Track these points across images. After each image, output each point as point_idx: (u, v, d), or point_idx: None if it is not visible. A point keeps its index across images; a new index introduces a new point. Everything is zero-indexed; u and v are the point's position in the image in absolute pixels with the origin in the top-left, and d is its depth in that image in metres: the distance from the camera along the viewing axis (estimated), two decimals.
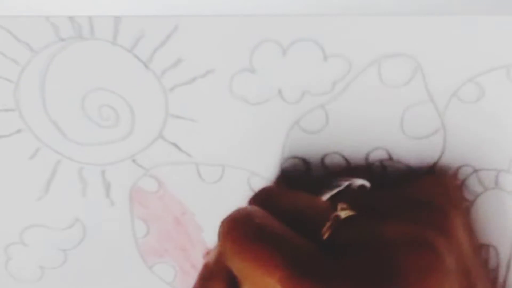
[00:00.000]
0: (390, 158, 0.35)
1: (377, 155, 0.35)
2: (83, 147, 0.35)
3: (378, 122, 0.34)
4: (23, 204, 0.38)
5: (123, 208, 0.38)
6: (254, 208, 0.31)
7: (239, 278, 0.29)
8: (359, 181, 0.33)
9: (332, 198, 0.32)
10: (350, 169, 0.35)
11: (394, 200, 0.32)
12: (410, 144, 0.35)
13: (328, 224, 0.30)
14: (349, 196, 0.32)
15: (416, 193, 0.32)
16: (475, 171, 0.35)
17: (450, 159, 0.35)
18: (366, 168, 0.35)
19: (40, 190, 0.37)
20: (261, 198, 0.33)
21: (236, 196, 0.37)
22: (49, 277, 0.40)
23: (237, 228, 0.29)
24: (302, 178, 0.35)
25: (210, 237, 0.38)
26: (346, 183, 0.32)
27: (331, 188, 0.32)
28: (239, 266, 0.28)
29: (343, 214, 0.30)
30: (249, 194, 0.36)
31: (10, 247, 0.39)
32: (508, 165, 0.35)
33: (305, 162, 0.35)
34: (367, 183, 0.33)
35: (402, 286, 0.27)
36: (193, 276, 0.40)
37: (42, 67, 0.33)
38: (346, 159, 0.35)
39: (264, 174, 0.36)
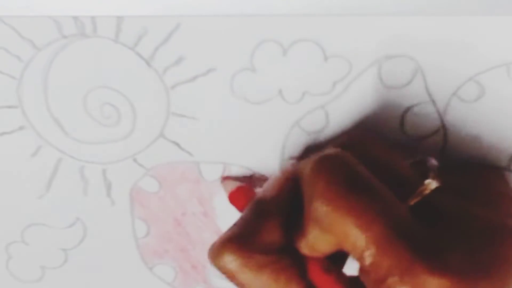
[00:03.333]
0: None
1: None
2: (85, 145, 0.35)
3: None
4: (24, 202, 0.38)
5: (123, 208, 0.38)
6: (346, 153, 0.29)
7: (314, 221, 0.28)
8: (434, 161, 0.32)
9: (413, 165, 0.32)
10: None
11: (469, 183, 0.32)
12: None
13: (420, 189, 0.29)
14: (425, 167, 0.31)
15: (489, 183, 0.33)
16: None
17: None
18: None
19: (41, 188, 0.37)
20: (350, 142, 0.32)
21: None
22: (50, 276, 0.40)
23: (334, 169, 0.28)
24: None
25: (210, 238, 0.38)
26: (421, 157, 0.32)
27: (408, 157, 0.32)
28: (326, 210, 0.27)
29: (434, 183, 0.29)
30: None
31: (11, 246, 0.39)
32: (508, 163, 0.35)
33: None
34: (435, 164, 0.32)
35: (503, 268, 0.27)
36: (194, 276, 0.40)
37: (45, 65, 0.33)
38: None
39: (265, 172, 0.36)
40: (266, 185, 0.32)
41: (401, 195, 0.28)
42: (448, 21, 0.31)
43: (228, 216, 0.37)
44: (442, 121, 0.34)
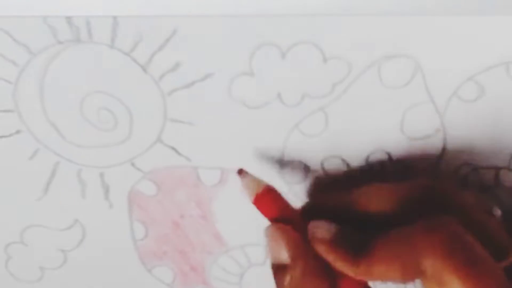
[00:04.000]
0: (391, 159, 0.35)
1: (377, 157, 0.35)
2: (82, 149, 0.35)
3: (378, 123, 0.34)
4: (23, 204, 0.38)
5: (122, 211, 0.38)
6: (456, 222, 0.30)
7: (424, 274, 0.29)
8: (497, 211, 0.33)
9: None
10: (411, 170, 0.35)
11: None
12: (411, 145, 0.35)
13: None
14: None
15: None
16: (475, 169, 0.35)
17: (450, 158, 0.35)
18: (427, 172, 0.35)
19: (39, 191, 0.37)
20: (431, 191, 0.32)
21: (235, 200, 0.37)
22: (49, 277, 0.41)
23: (456, 254, 0.29)
24: None
25: (209, 240, 0.39)
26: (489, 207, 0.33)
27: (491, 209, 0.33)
28: (438, 270, 0.29)
29: None
30: (248, 198, 0.36)
31: (10, 247, 0.39)
32: (509, 162, 0.35)
33: (305, 165, 0.35)
34: (499, 213, 0.34)
35: None
36: (193, 278, 0.40)
37: (41, 69, 0.33)
38: (346, 162, 0.35)
39: (264, 177, 0.36)
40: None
41: (494, 254, 0.30)
42: (447, 21, 0.31)
43: (227, 219, 0.38)
44: (442, 121, 0.34)
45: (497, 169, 0.35)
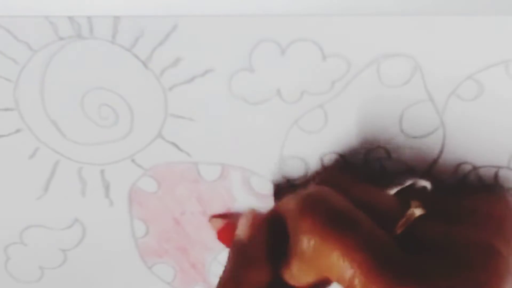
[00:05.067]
0: (389, 157, 0.35)
1: (376, 154, 0.35)
2: (82, 146, 0.35)
3: (377, 122, 0.34)
4: (23, 204, 0.38)
5: (122, 209, 0.38)
6: (329, 189, 0.31)
7: (300, 255, 0.29)
8: (422, 182, 0.34)
9: (397, 194, 0.33)
10: (409, 169, 0.35)
11: (457, 206, 0.32)
12: (410, 143, 0.35)
13: (403, 220, 0.30)
14: (413, 195, 0.33)
15: (477, 204, 0.33)
16: (475, 168, 0.35)
17: (450, 157, 0.35)
18: (426, 171, 0.35)
19: (39, 190, 0.37)
20: (329, 182, 0.33)
21: (236, 195, 0.37)
22: (49, 277, 0.40)
23: (318, 205, 0.29)
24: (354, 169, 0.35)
25: (209, 237, 0.38)
26: (410, 182, 0.33)
27: (394, 184, 0.33)
28: (312, 244, 0.29)
29: (417, 212, 0.30)
30: (249, 193, 0.36)
31: (10, 247, 0.39)
32: (508, 161, 0.35)
33: (304, 161, 0.35)
34: (428, 185, 0.34)
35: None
36: (193, 275, 0.40)
37: (42, 67, 0.33)
38: (345, 159, 0.35)
39: (263, 173, 0.36)
40: (240, 226, 0.33)
41: (386, 227, 0.29)
42: (446, 20, 0.31)
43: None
44: (441, 120, 0.34)
45: (497, 168, 0.35)
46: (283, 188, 0.36)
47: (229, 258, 0.32)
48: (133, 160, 0.36)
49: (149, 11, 0.31)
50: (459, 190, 0.35)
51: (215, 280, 0.40)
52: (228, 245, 0.35)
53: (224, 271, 0.32)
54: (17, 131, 0.35)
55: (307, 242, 0.29)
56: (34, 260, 0.40)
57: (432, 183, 0.35)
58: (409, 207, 0.31)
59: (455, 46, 0.32)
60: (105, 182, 0.37)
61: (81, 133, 0.35)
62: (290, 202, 0.31)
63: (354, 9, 0.31)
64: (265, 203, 0.37)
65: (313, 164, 0.35)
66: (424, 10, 0.31)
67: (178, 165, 0.36)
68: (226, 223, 0.36)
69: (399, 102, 0.34)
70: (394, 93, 0.33)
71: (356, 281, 0.27)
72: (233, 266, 0.32)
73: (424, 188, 0.34)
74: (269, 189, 0.36)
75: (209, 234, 0.38)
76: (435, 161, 0.35)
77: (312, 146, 0.35)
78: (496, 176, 0.35)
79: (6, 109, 0.34)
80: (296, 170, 0.36)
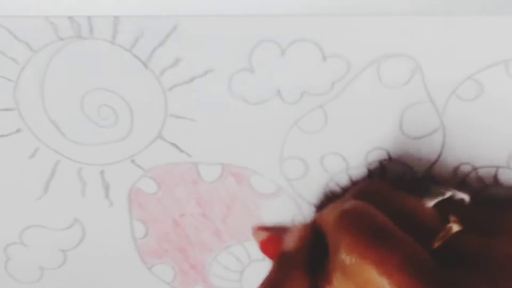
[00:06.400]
0: (390, 158, 0.35)
1: (376, 155, 0.35)
2: (82, 147, 0.35)
3: (377, 122, 0.34)
4: (23, 204, 0.38)
5: (122, 209, 0.38)
6: (367, 204, 0.31)
7: (341, 270, 0.30)
8: (460, 194, 0.34)
9: (435, 205, 0.33)
10: (447, 179, 0.36)
11: (492, 218, 0.33)
12: (409, 144, 0.35)
13: (441, 234, 0.30)
14: (451, 207, 0.33)
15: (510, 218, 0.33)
16: (475, 168, 0.35)
17: (450, 157, 0.35)
18: (462, 183, 0.36)
19: (39, 190, 0.37)
20: (367, 193, 0.33)
21: (236, 196, 0.37)
22: (49, 277, 0.40)
23: (358, 222, 0.30)
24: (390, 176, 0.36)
25: (209, 238, 0.38)
26: (448, 193, 0.33)
27: (432, 194, 0.33)
28: (352, 260, 0.29)
29: (455, 227, 0.31)
30: (249, 193, 0.36)
31: (10, 247, 0.39)
32: (507, 161, 0.35)
33: (304, 162, 0.35)
34: (467, 198, 0.34)
35: None
36: (193, 276, 0.40)
37: (42, 67, 0.33)
38: (345, 160, 0.35)
39: (264, 173, 0.36)
40: (288, 237, 0.34)
41: (424, 240, 0.30)
42: (446, 20, 0.31)
43: (227, 217, 0.38)
44: (441, 120, 0.34)
45: (496, 168, 0.35)
46: (327, 199, 0.36)
47: (272, 267, 0.32)
48: (133, 161, 0.36)
49: (149, 11, 0.31)
50: (492, 203, 0.35)
51: (215, 281, 0.40)
52: (270, 257, 0.36)
53: (266, 280, 0.32)
54: (17, 131, 0.35)
55: (347, 258, 0.29)
56: (34, 260, 0.40)
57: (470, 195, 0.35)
58: (447, 220, 0.31)
59: (455, 46, 0.32)
60: (105, 182, 0.37)
61: (81, 133, 0.35)
62: (329, 216, 0.32)
63: (354, 9, 0.31)
64: (265, 203, 0.37)
65: (313, 165, 0.35)
66: (424, 10, 0.31)
67: (178, 166, 0.36)
68: (270, 236, 0.37)
69: (399, 103, 0.34)
70: (394, 94, 0.33)
71: None
72: (275, 276, 0.32)
73: (462, 200, 0.34)
74: (269, 190, 0.37)
75: (209, 236, 0.38)
76: (435, 161, 0.35)
77: (312, 146, 0.35)
78: (495, 176, 0.35)
79: (6, 109, 0.34)
80: (296, 170, 0.36)
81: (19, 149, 0.36)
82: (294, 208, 0.37)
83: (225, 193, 0.37)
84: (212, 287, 0.40)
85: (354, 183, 0.36)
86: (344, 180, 0.36)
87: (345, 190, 0.36)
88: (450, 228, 0.31)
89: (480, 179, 0.36)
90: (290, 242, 0.33)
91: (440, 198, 0.33)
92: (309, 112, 0.34)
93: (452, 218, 0.31)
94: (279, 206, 0.37)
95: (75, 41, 0.32)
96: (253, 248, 0.39)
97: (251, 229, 0.38)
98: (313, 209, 0.37)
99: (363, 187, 0.34)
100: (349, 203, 0.31)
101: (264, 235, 0.37)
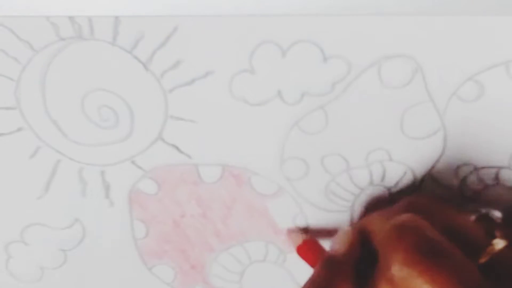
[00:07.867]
0: (390, 159, 0.35)
1: (377, 156, 0.35)
2: (83, 147, 0.35)
3: (378, 123, 0.34)
4: (24, 203, 0.38)
5: (122, 210, 0.38)
6: (420, 218, 0.31)
7: (390, 282, 0.30)
8: (497, 213, 0.35)
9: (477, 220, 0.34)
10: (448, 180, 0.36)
11: None
12: (410, 145, 0.35)
13: (488, 249, 0.31)
14: (489, 223, 0.34)
15: None
16: (476, 169, 0.35)
17: (451, 158, 0.35)
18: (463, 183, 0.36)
19: (40, 189, 0.37)
20: (417, 206, 0.33)
21: (236, 197, 0.37)
22: (49, 277, 0.40)
23: (412, 237, 0.30)
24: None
25: (209, 239, 0.39)
26: (485, 210, 0.35)
27: (468, 212, 0.34)
28: (405, 275, 0.29)
29: (501, 242, 0.31)
30: (250, 194, 0.36)
31: (11, 246, 0.39)
32: (508, 162, 0.35)
33: (304, 162, 0.35)
34: (499, 215, 0.35)
35: None
36: (193, 276, 0.40)
37: (43, 66, 0.33)
38: (346, 160, 0.35)
39: (264, 174, 0.36)
40: (336, 240, 0.34)
41: (470, 254, 0.30)
42: (447, 21, 0.31)
43: (227, 218, 0.38)
44: (442, 121, 0.34)
45: (498, 168, 0.35)
46: (378, 203, 0.37)
47: (318, 271, 0.33)
48: (133, 162, 0.36)
49: (150, 12, 0.31)
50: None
51: (215, 282, 0.40)
52: (306, 260, 0.36)
53: (311, 279, 0.32)
54: (19, 129, 0.35)
55: (398, 271, 0.29)
56: (34, 260, 0.40)
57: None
58: (492, 236, 0.32)
59: (456, 47, 0.32)
60: (105, 183, 0.37)
61: (82, 133, 0.35)
62: (379, 226, 0.32)
63: (355, 9, 0.31)
64: (266, 204, 0.37)
65: (314, 165, 0.35)
66: (425, 11, 0.31)
67: (178, 167, 0.36)
68: (307, 239, 0.37)
69: (400, 103, 0.34)
70: (395, 94, 0.33)
71: None
72: (322, 280, 0.32)
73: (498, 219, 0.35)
74: (270, 190, 0.37)
75: (209, 236, 0.38)
76: (436, 162, 0.35)
77: (312, 147, 0.35)
78: (496, 176, 0.35)
79: (8, 108, 0.34)
80: (296, 171, 0.36)
81: (20, 148, 0.36)
82: (295, 209, 0.37)
83: (225, 194, 0.37)
84: (212, 287, 0.40)
85: (402, 192, 0.36)
86: (344, 180, 0.36)
87: (392, 196, 0.37)
88: (496, 244, 0.31)
89: (481, 180, 0.36)
90: (338, 246, 0.33)
91: (477, 214, 0.34)
92: (310, 113, 0.34)
93: (498, 233, 0.32)
94: (280, 207, 0.37)
95: (76, 41, 0.32)
96: (253, 249, 0.39)
97: (286, 231, 0.38)
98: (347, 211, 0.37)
99: (413, 200, 0.35)
100: (402, 217, 0.31)
101: (300, 238, 0.37)
